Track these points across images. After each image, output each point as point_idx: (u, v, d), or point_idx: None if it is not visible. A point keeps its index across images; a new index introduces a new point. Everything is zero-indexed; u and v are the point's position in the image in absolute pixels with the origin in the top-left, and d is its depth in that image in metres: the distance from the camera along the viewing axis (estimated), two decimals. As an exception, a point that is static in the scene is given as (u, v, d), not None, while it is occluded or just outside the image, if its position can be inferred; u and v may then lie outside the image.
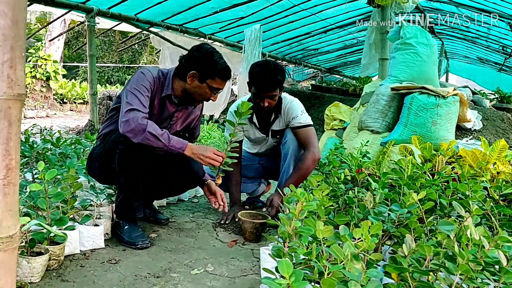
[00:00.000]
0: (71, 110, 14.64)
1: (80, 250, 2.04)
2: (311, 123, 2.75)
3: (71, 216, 2.08)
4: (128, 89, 2.22)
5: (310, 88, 11.23)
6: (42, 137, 4.89)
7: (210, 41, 8.76)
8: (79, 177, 2.23)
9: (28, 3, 5.57)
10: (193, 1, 6.88)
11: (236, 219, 2.58)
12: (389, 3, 5.59)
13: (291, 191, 2.58)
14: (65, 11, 6.76)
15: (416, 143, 3.69)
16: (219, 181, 2.18)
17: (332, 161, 3.36)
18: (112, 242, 2.24)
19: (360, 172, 3.22)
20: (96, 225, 2.16)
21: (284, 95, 2.82)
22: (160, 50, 8.45)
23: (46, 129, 5.68)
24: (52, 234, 1.82)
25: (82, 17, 6.84)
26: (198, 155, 2.11)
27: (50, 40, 13.53)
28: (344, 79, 15.63)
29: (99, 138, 2.45)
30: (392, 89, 4.34)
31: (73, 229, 1.99)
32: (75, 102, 15.42)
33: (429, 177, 2.99)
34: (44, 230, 1.80)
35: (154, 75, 2.28)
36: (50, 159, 2.93)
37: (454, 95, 4.10)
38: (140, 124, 2.07)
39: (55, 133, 5.26)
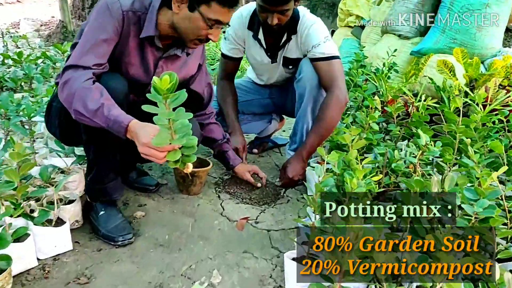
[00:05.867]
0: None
1: (39, 259, 1.50)
2: (338, 54, 2.05)
3: (23, 211, 1.51)
4: (85, 29, 1.52)
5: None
6: (4, 46, 4.09)
7: None
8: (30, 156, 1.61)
9: None
10: None
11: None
12: None
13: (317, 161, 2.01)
14: None
15: (459, 57, 2.98)
16: (189, 170, 1.46)
17: (358, 87, 2.73)
18: (84, 233, 1.69)
19: (393, 102, 2.60)
20: (58, 223, 1.57)
21: (303, 12, 2.07)
22: None
23: (9, 32, 4.81)
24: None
25: None
26: (137, 145, 1.37)
27: None
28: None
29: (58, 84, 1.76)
30: (429, -17, 3.48)
31: (26, 234, 1.44)
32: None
33: (480, 109, 2.38)
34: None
35: (126, 6, 1.53)
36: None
37: (508, -10, 3.28)
38: (70, 94, 1.41)
39: (19, 38, 4.43)
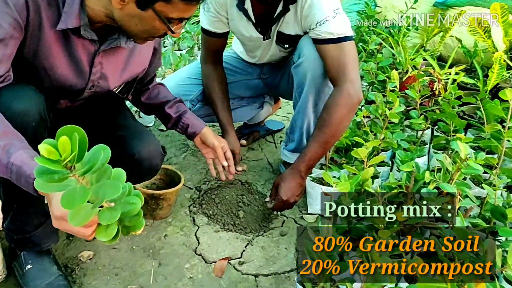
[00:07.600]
0: None
1: None
2: (350, 33, 1.48)
3: None
4: None
5: None
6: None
7: None
8: None
9: None
10: None
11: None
12: None
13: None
14: None
15: (498, 14, 2.41)
16: (138, 232, 0.95)
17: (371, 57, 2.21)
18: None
19: (415, 81, 2.07)
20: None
21: None
22: None
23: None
24: None
25: None
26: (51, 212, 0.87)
27: None
28: None
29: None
30: None
31: None
32: None
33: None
34: None
35: None
36: None
37: None
38: None
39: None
